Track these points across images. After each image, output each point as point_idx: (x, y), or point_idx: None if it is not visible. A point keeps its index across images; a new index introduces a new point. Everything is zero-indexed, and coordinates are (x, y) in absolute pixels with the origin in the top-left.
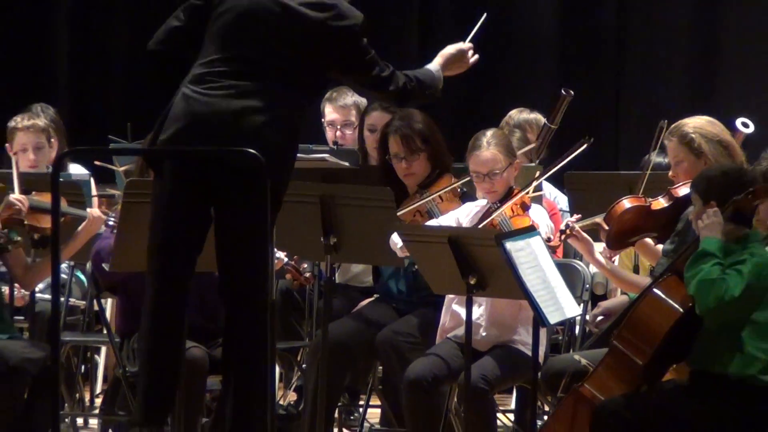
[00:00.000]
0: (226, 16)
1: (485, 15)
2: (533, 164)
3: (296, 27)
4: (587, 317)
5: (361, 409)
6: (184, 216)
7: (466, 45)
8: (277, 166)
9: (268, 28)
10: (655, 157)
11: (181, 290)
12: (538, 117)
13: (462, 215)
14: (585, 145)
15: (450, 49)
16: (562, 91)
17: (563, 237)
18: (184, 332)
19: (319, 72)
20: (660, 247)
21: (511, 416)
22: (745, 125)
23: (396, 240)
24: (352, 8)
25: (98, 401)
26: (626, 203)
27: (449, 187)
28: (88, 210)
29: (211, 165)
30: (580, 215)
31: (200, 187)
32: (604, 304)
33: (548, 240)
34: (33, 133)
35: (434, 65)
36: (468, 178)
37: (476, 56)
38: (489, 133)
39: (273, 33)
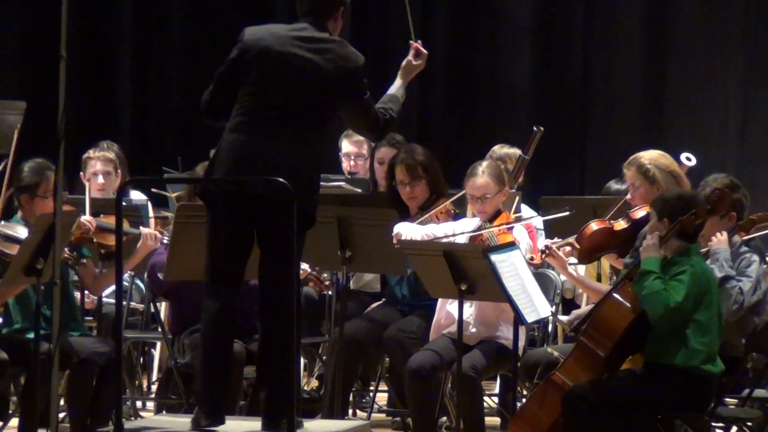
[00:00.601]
0: (257, 71)
1: None
2: (513, 190)
3: (313, 75)
4: (565, 320)
5: (371, 394)
6: (233, 241)
7: (413, 55)
8: (310, 193)
9: (293, 79)
10: (614, 185)
11: (231, 300)
12: (515, 151)
13: (457, 227)
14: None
15: (407, 65)
16: (534, 128)
17: (543, 256)
18: (233, 335)
19: (333, 110)
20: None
21: (495, 399)
22: (689, 159)
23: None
24: (356, 52)
25: (154, 387)
26: (593, 226)
27: (442, 206)
28: (144, 229)
29: (253, 197)
30: (557, 238)
31: (245, 215)
32: (576, 312)
33: (531, 259)
34: (103, 162)
35: (397, 87)
36: (458, 195)
37: (424, 51)
38: (485, 163)
39: (297, 83)
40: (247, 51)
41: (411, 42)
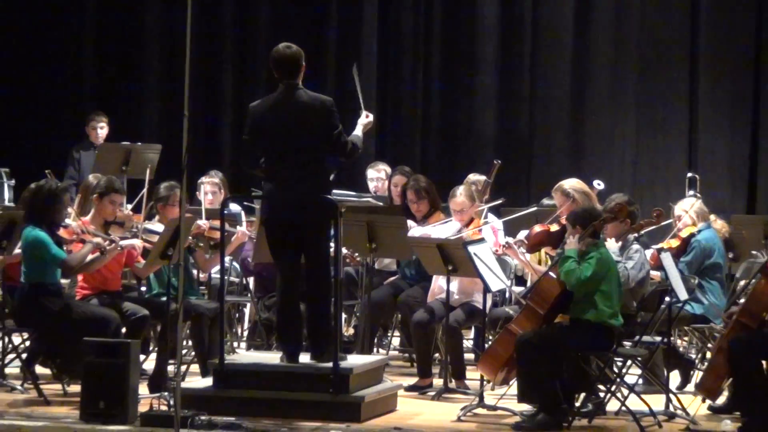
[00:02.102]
0: (273, 126)
1: (354, 66)
2: (482, 204)
3: (312, 119)
4: (517, 290)
5: (389, 338)
6: (289, 247)
7: (365, 119)
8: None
9: (301, 126)
10: (546, 200)
11: (294, 279)
12: (482, 177)
13: (446, 228)
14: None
15: (362, 122)
16: (495, 161)
17: (504, 248)
18: (298, 300)
19: (327, 143)
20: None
21: (471, 342)
22: (599, 184)
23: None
24: (322, 95)
25: (245, 334)
26: (537, 228)
27: (436, 215)
28: (238, 229)
29: (299, 217)
30: (515, 237)
31: (294, 231)
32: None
33: (496, 251)
34: (211, 184)
35: (358, 134)
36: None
37: (371, 117)
38: (462, 187)
39: (305, 127)
40: (254, 125)
41: (362, 110)
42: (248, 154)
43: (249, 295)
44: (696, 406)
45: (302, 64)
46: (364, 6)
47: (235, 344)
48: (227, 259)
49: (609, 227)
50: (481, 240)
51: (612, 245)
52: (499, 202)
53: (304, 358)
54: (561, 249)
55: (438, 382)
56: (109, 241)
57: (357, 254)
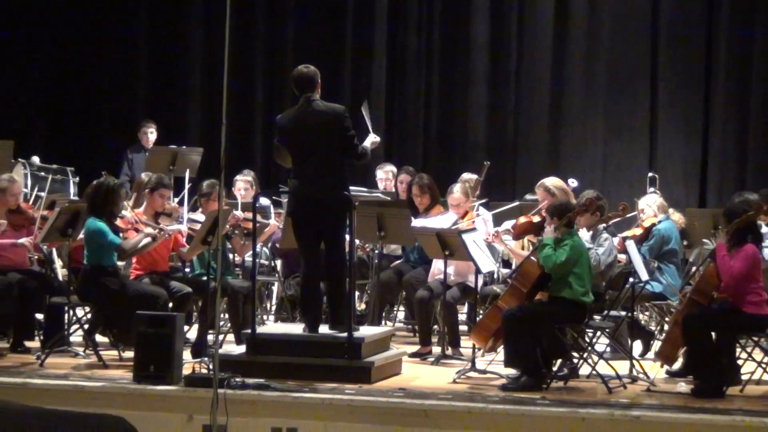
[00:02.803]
0: (296, 133)
1: (365, 102)
2: (474, 199)
3: (328, 125)
4: (504, 271)
5: (395, 312)
6: (311, 235)
7: (373, 138)
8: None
9: (319, 131)
10: (529, 196)
11: (317, 261)
12: (474, 176)
13: (444, 220)
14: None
15: (370, 140)
16: (485, 163)
17: (493, 236)
18: (319, 280)
19: (341, 145)
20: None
21: (465, 316)
22: (573, 182)
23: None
24: (336, 105)
25: (273, 308)
26: (522, 219)
27: (436, 208)
28: (271, 221)
29: (320, 209)
30: (502, 227)
31: (315, 221)
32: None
33: (486, 239)
34: (244, 182)
35: (367, 145)
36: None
37: (377, 138)
38: (458, 185)
39: (322, 132)
40: (282, 131)
41: (371, 133)
42: (279, 154)
43: (277, 275)
44: (655, 370)
45: (318, 81)
46: (375, 30)
47: (265, 317)
48: (259, 245)
49: (581, 219)
50: (474, 229)
51: (584, 234)
52: (483, 201)
53: (323, 329)
54: (542, 237)
55: (437, 349)
56: (159, 230)
57: (366, 244)
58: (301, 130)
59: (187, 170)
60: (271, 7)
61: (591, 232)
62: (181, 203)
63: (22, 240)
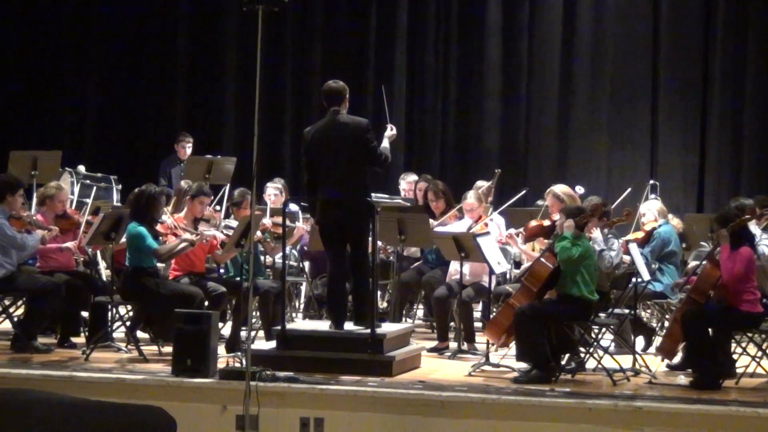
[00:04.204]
0: (322, 144)
1: (383, 87)
2: (487, 205)
3: (352, 136)
4: (515, 272)
5: (414, 309)
6: (337, 238)
7: (390, 132)
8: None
9: (343, 142)
10: (540, 201)
11: (342, 263)
12: (487, 183)
13: (460, 224)
14: (497, 174)
15: (387, 135)
16: (496, 170)
17: (507, 239)
18: (345, 280)
19: (365, 155)
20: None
21: (479, 314)
22: (580, 189)
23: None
24: (359, 117)
25: (302, 306)
26: (532, 223)
27: (452, 213)
28: (297, 224)
29: (344, 214)
30: (512, 229)
31: (341, 226)
32: (522, 269)
33: (499, 241)
34: (274, 189)
35: (386, 145)
36: (458, 207)
37: (394, 130)
38: (471, 192)
39: (346, 143)
40: (308, 145)
41: (388, 124)
42: (309, 168)
43: (305, 275)
44: (657, 364)
45: (345, 96)
46: (395, 50)
47: (294, 315)
48: (288, 247)
49: (590, 224)
50: (488, 233)
51: (597, 235)
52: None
53: (348, 325)
54: (551, 240)
55: (453, 345)
56: (196, 235)
57: (388, 246)
58: (327, 140)
59: (226, 178)
60: (300, 29)
61: (605, 232)
62: (218, 210)
63: (68, 244)
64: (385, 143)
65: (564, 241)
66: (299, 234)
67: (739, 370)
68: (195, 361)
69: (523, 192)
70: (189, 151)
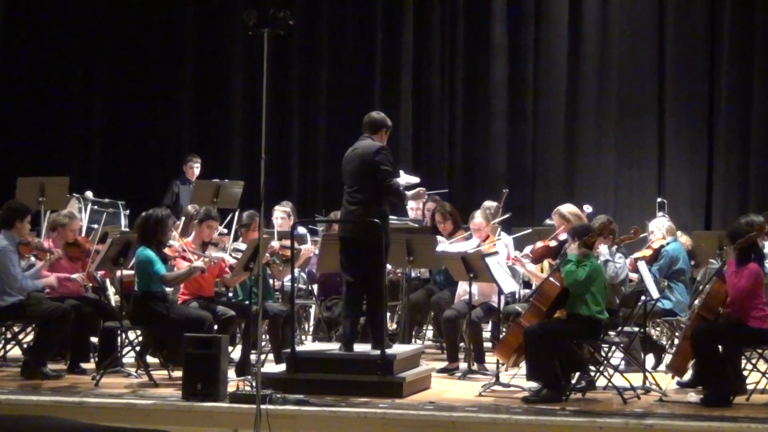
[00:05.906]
0: (344, 165)
1: (418, 181)
2: (495, 222)
3: (363, 157)
4: (524, 292)
5: (424, 330)
6: (353, 261)
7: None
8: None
9: (357, 163)
10: (548, 221)
11: (357, 284)
12: (495, 203)
13: (468, 244)
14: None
15: (405, 177)
16: (503, 190)
17: (514, 260)
18: (360, 305)
19: (373, 176)
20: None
21: (488, 334)
22: (587, 208)
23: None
24: (376, 143)
25: (311, 329)
26: (539, 243)
27: (460, 234)
28: (304, 247)
29: (360, 236)
30: (522, 252)
31: (357, 248)
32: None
33: (507, 261)
34: (282, 212)
35: (402, 180)
36: (468, 232)
37: (414, 179)
38: (479, 212)
39: (359, 164)
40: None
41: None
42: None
43: (314, 298)
44: (667, 382)
45: (380, 127)
46: (401, 72)
47: (303, 337)
48: (296, 270)
49: (597, 243)
50: (496, 253)
51: (604, 250)
52: (507, 215)
53: (357, 347)
54: (559, 260)
55: (463, 365)
56: (204, 258)
57: (398, 269)
58: (347, 162)
59: (233, 202)
60: (306, 53)
61: (613, 249)
62: (226, 234)
63: (75, 276)
64: (400, 180)
65: (568, 264)
66: (306, 256)
67: (750, 387)
68: (205, 386)
69: (504, 192)
70: (197, 171)
